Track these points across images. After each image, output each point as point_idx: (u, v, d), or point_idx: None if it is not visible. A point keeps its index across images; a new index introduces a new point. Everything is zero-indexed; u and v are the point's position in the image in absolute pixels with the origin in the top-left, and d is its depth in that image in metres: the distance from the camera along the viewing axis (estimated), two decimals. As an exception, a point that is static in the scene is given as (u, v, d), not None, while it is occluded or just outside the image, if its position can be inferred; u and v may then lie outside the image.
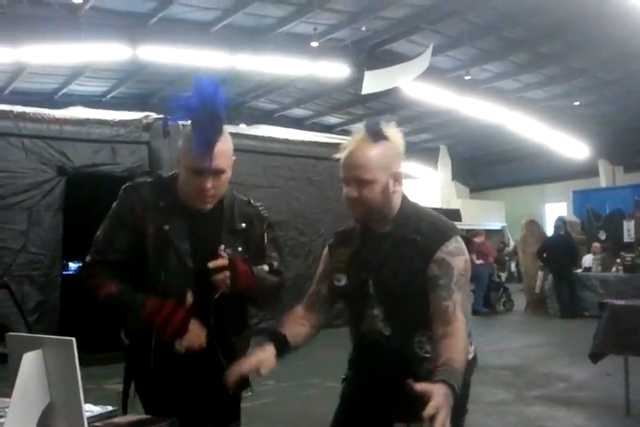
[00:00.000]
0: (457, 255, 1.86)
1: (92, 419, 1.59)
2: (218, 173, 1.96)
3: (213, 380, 2.03)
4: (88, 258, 2.08)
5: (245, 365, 1.85)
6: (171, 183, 2.09)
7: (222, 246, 2.01)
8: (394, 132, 1.91)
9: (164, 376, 2.05)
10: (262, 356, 1.87)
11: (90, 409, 1.66)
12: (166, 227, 2.02)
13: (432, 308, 1.82)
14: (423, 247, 1.86)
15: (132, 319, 2.01)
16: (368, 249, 1.96)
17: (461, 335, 1.78)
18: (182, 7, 11.45)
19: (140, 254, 2.02)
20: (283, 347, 1.94)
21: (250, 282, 2.01)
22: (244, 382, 2.10)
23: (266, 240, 2.20)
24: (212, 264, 1.95)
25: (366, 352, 1.99)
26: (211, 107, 1.92)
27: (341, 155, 1.90)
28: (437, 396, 1.53)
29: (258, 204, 2.23)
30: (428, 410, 1.50)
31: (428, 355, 1.86)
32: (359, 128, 1.92)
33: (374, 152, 1.86)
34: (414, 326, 1.89)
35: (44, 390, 1.31)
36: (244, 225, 2.12)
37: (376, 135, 1.87)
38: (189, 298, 1.98)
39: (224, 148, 1.97)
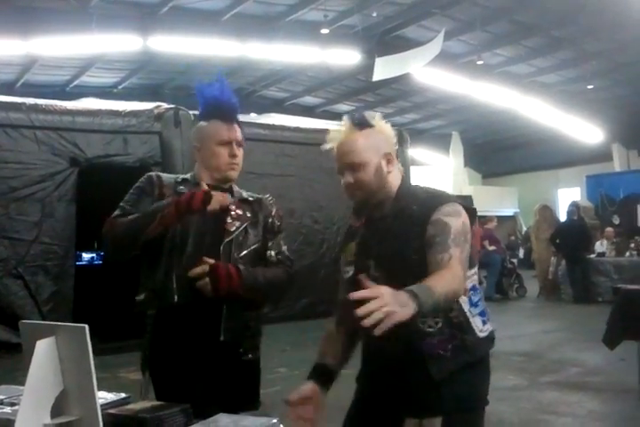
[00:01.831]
0: (454, 216, 1.83)
1: (106, 406, 1.62)
2: (239, 144, 2.29)
3: (227, 365, 2.12)
4: (114, 214, 2.19)
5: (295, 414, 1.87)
6: (187, 177, 2.32)
7: (232, 206, 2.25)
8: (378, 121, 1.97)
9: (176, 356, 2.13)
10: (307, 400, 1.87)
11: (103, 396, 1.69)
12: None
13: (428, 265, 1.76)
14: (420, 214, 1.86)
15: (156, 217, 2.09)
16: (369, 233, 1.97)
17: (454, 274, 1.71)
18: (192, -4, 11.44)
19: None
20: (328, 378, 1.93)
21: (235, 285, 2.10)
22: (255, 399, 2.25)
23: (277, 222, 2.36)
24: (191, 273, 2.10)
25: (370, 337, 1.96)
26: (228, 95, 2.31)
27: (332, 147, 1.97)
28: (382, 296, 1.45)
29: (266, 195, 2.45)
30: (360, 310, 1.41)
31: (431, 329, 1.83)
32: (344, 120, 1.98)
33: (361, 137, 1.93)
34: None
35: (58, 376, 1.33)
36: (251, 199, 2.35)
37: (360, 123, 1.94)
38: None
39: (239, 127, 2.32)
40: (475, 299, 1.91)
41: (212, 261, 2.10)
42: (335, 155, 1.98)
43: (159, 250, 2.16)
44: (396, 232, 1.89)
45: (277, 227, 2.35)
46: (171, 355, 2.15)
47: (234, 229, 2.23)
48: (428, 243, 1.80)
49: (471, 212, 1.90)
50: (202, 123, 2.32)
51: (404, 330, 1.79)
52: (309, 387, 1.89)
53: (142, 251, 2.19)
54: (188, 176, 2.32)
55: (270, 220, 2.34)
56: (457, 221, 1.82)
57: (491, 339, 1.95)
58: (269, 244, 2.31)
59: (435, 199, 1.89)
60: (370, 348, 2.01)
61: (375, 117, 1.97)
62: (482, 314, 1.92)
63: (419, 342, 1.84)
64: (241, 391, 2.20)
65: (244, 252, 2.23)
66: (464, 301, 1.86)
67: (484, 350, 1.93)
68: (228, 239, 2.20)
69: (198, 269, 2.09)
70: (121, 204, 2.22)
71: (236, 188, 2.36)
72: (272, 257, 2.29)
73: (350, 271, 2.00)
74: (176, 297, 2.12)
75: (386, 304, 1.44)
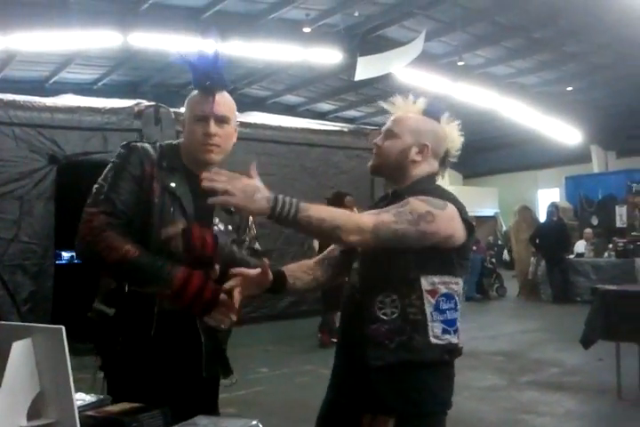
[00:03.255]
0: (423, 202, 1.80)
1: (84, 407, 1.59)
2: (221, 120, 2.02)
3: (190, 363, 2.01)
4: (89, 209, 1.96)
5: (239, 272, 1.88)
6: (173, 148, 2.10)
7: (216, 220, 2.07)
8: (449, 121, 2.02)
9: (139, 354, 1.98)
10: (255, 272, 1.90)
11: (81, 398, 1.66)
12: (172, 184, 2.01)
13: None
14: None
15: (157, 288, 1.90)
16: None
17: (357, 216, 1.80)
18: (173, -7, 11.37)
19: (144, 212, 1.97)
20: (279, 280, 1.97)
21: (207, 249, 1.98)
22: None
23: (251, 219, 2.23)
24: (163, 234, 1.95)
25: (343, 308, 2.02)
26: (211, 63, 2.01)
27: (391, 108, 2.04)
28: (235, 181, 1.63)
29: None
30: (204, 175, 1.60)
31: (385, 317, 1.83)
32: (420, 100, 2.01)
33: (417, 118, 1.98)
34: (380, 285, 1.86)
35: (34, 378, 1.31)
36: (233, 209, 2.11)
37: (430, 112, 1.98)
38: (216, 270, 1.98)
39: (227, 100, 2.07)
40: (443, 306, 1.87)
41: (180, 223, 1.96)
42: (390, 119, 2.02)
43: None
44: None
45: (251, 223, 2.25)
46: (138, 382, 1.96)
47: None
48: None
49: (467, 225, 1.89)
50: (192, 92, 2.09)
51: (360, 310, 1.87)
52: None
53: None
54: (172, 149, 2.09)
55: (247, 222, 2.23)
56: (421, 206, 1.79)
57: (447, 350, 1.87)
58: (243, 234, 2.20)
59: (429, 194, 1.87)
60: (342, 310, 2.05)
61: (447, 117, 2.02)
62: (447, 323, 1.87)
63: (369, 325, 1.84)
64: (201, 392, 2.08)
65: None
66: (428, 302, 1.84)
67: (433, 356, 1.85)
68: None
69: (171, 230, 1.95)
70: (100, 188, 1.98)
71: None
72: (246, 243, 2.21)
73: None
74: (153, 331, 1.96)
75: (232, 186, 1.60)
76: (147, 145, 2.06)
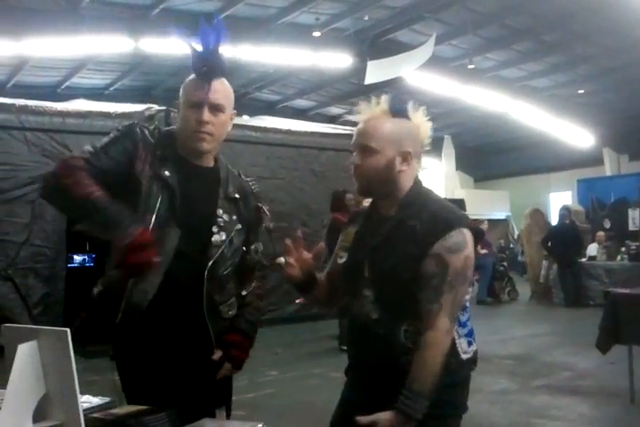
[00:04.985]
0: (455, 252, 1.74)
1: (90, 410, 1.59)
2: (216, 108, 1.96)
3: (201, 358, 2.00)
4: (74, 154, 1.95)
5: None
6: (169, 136, 2.06)
7: (220, 211, 2.01)
8: (418, 114, 1.88)
9: (145, 347, 1.97)
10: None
11: (88, 400, 1.66)
12: (167, 173, 1.97)
13: (419, 302, 1.76)
14: (420, 235, 1.77)
15: (111, 235, 1.80)
16: (369, 230, 1.91)
17: (436, 346, 1.71)
18: (183, -2, 11.42)
19: (131, 191, 1.93)
20: (312, 277, 1.96)
21: (247, 349, 2.08)
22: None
23: (264, 225, 2.20)
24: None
25: (355, 336, 1.94)
26: (211, 48, 1.96)
27: (357, 119, 1.89)
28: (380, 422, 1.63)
29: (248, 178, 2.22)
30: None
31: (414, 346, 1.76)
32: (383, 99, 1.88)
33: (388, 124, 1.84)
34: (402, 314, 1.80)
35: (40, 381, 1.31)
36: (237, 195, 2.09)
37: (396, 110, 1.85)
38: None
39: (224, 87, 2.00)
40: (463, 318, 1.84)
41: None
42: (356, 130, 1.88)
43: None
44: (395, 244, 1.81)
45: (260, 220, 2.20)
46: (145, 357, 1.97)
47: (220, 242, 2.01)
48: (424, 279, 1.75)
49: (477, 234, 1.85)
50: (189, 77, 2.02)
51: (385, 342, 1.81)
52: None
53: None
54: (168, 137, 2.03)
55: (254, 220, 2.17)
56: (458, 258, 1.74)
57: (473, 360, 1.88)
58: (251, 236, 2.17)
59: (441, 223, 1.77)
60: (351, 337, 1.98)
61: (416, 110, 1.88)
62: (468, 334, 1.86)
63: (401, 356, 1.78)
64: (213, 389, 2.07)
65: (229, 268, 2.07)
66: None
67: (465, 373, 1.86)
68: (213, 260, 1.99)
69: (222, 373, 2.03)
70: (96, 147, 1.94)
71: (223, 172, 2.09)
72: (255, 255, 2.19)
73: (344, 258, 1.98)
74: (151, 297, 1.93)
75: None
76: (146, 131, 2.01)
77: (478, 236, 1.86)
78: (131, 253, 1.76)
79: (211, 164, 2.08)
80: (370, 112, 1.87)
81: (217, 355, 2.04)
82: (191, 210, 1.98)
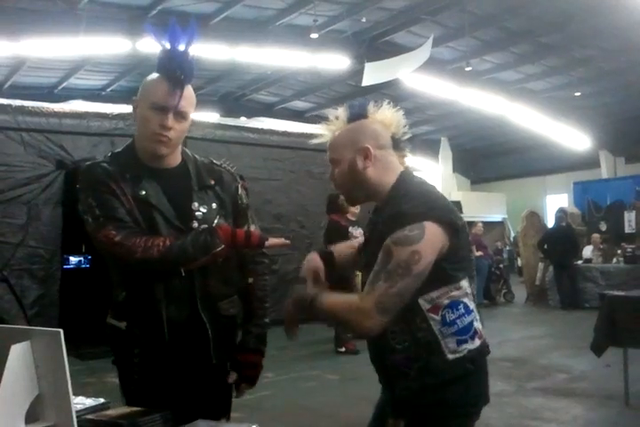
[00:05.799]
0: (403, 245, 1.69)
1: (84, 411, 1.59)
2: (181, 115, 1.95)
3: (201, 365, 2.02)
4: (94, 226, 1.91)
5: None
6: (128, 151, 2.06)
7: (196, 204, 2.01)
8: (376, 109, 1.88)
9: (156, 362, 1.99)
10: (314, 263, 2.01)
11: (81, 402, 1.66)
12: (142, 192, 1.97)
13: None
14: (383, 232, 1.76)
15: (211, 252, 1.92)
16: (370, 228, 1.96)
17: (360, 307, 1.72)
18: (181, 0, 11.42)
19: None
20: (330, 258, 2.05)
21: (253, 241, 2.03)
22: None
23: (244, 200, 2.17)
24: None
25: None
26: (184, 53, 1.97)
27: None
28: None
29: (220, 162, 2.21)
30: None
31: (399, 346, 1.80)
32: (340, 111, 1.90)
33: (341, 132, 1.88)
34: None
35: (33, 381, 1.31)
36: (212, 181, 2.08)
37: (352, 116, 1.88)
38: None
39: (191, 94, 2.00)
40: (450, 317, 1.78)
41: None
42: None
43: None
44: (372, 245, 1.84)
45: (245, 204, 2.17)
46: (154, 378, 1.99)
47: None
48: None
49: (450, 226, 1.75)
50: (151, 76, 2.00)
51: (375, 344, 1.88)
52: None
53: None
54: (127, 153, 2.04)
55: (237, 199, 2.14)
56: (404, 250, 1.69)
57: (469, 359, 1.80)
58: (241, 220, 2.16)
59: (399, 217, 1.74)
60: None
61: (375, 106, 1.88)
62: (461, 332, 1.79)
63: (389, 355, 1.83)
64: (213, 395, 2.09)
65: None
66: (433, 320, 1.76)
67: (455, 373, 1.78)
68: None
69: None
70: (90, 206, 1.93)
71: (192, 166, 2.08)
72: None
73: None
74: (167, 337, 1.96)
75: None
76: (104, 164, 2.00)
77: (452, 231, 1.76)
78: (245, 241, 1.98)
79: (177, 161, 2.08)
80: (333, 128, 1.90)
81: (232, 378, 2.09)
82: (171, 215, 1.98)
